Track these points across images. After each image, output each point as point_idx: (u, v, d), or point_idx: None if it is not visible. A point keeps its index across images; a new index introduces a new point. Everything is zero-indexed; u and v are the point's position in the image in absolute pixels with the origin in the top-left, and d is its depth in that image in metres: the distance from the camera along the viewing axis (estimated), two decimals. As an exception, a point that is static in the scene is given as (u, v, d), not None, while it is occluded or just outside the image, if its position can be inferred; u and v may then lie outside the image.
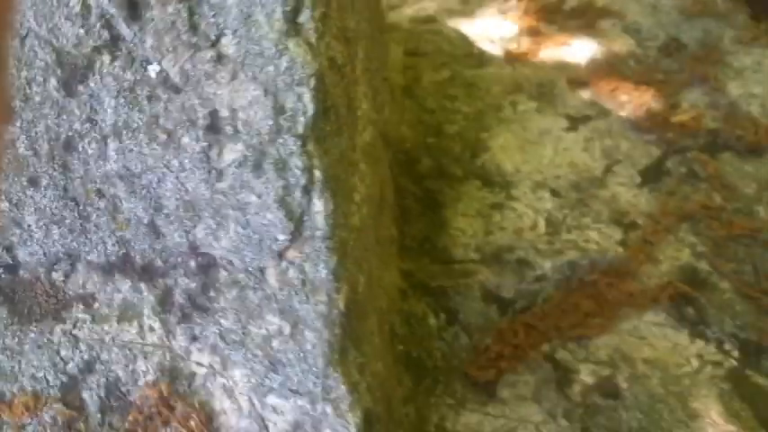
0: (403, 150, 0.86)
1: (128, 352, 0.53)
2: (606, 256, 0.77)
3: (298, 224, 0.51)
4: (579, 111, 0.95)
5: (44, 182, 0.53)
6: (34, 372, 0.54)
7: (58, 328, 0.54)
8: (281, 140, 0.50)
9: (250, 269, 0.51)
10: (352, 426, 0.50)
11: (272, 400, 0.51)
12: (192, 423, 0.51)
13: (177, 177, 0.51)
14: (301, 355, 0.51)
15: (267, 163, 0.50)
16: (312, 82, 0.50)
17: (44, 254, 0.54)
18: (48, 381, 0.54)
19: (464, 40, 1.05)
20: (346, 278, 0.52)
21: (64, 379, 0.54)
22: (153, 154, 0.51)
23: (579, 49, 1.04)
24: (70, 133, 0.52)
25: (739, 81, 1.00)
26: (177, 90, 0.50)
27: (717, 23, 1.07)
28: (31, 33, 0.51)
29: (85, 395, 0.53)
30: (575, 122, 0.94)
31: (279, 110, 0.50)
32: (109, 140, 0.52)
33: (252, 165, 0.50)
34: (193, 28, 0.50)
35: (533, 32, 1.09)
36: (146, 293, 0.53)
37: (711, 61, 0.99)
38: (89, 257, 0.54)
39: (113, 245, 0.53)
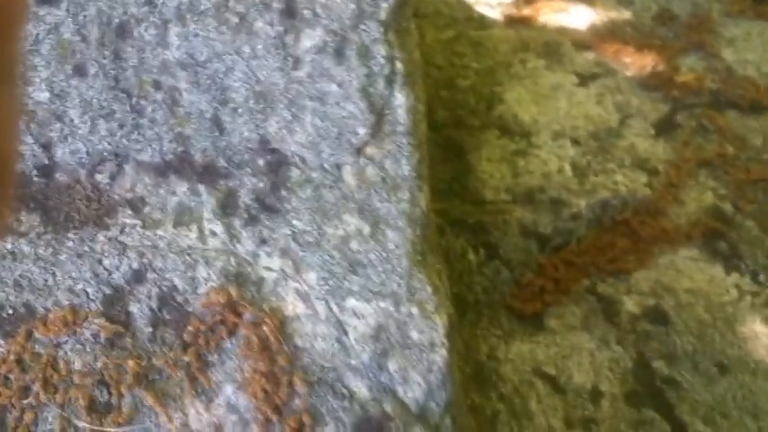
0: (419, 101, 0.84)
1: (186, 258, 0.49)
2: (636, 197, 0.78)
3: (379, 117, 0.49)
4: (587, 69, 0.97)
5: (92, 70, 0.49)
6: (72, 284, 0.50)
7: (100, 236, 0.50)
8: (363, 26, 0.48)
9: (326, 166, 0.49)
10: (440, 326, 0.48)
11: (351, 303, 0.48)
12: (264, 329, 0.47)
13: (248, 65, 0.48)
14: (384, 255, 0.49)
15: (349, 49, 0.48)
16: (395, -33, 0.48)
17: (87, 152, 0.50)
18: (88, 293, 0.49)
19: (463, 4, 1.06)
20: (425, 177, 0.50)
21: (108, 291, 0.49)
22: (221, 39, 0.48)
23: (577, 16, 1.06)
24: (125, 17, 0.49)
25: (732, 48, 1.05)
26: (251, -29, 0.48)
27: (704, -3, 1.12)
28: None
29: (133, 308, 0.49)
30: (584, 79, 0.96)
31: (361, -6, 0.48)
32: (170, 25, 0.48)
33: (333, 51, 0.48)
34: None
35: (531, 0, 1.11)
36: (205, 196, 0.50)
37: (704, 30, 1.03)
38: (140, 157, 0.50)
39: (170, 142, 0.50)
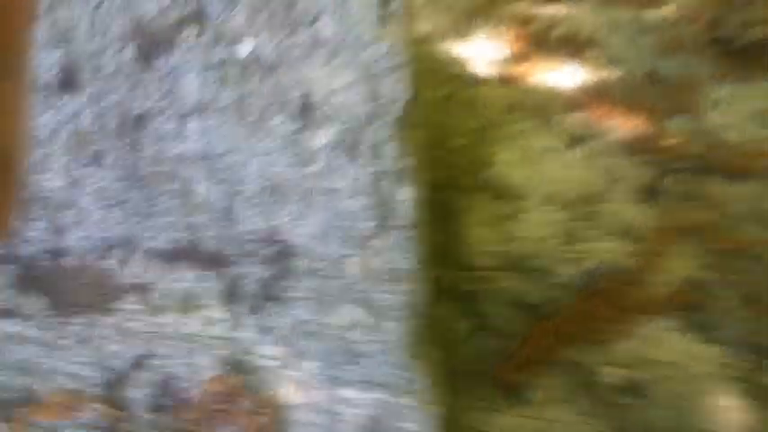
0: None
1: (188, 345, 0.50)
2: (619, 265, 0.81)
3: (386, 211, 0.50)
4: (575, 131, 1.00)
5: (109, 159, 0.50)
6: (75, 369, 0.51)
7: (106, 321, 0.51)
8: (375, 126, 0.50)
9: (332, 257, 0.50)
10: (436, 417, 0.49)
11: (348, 393, 0.50)
12: (262, 419, 0.49)
13: (263, 160, 0.50)
14: (383, 346, 0.50)
15: (362, 147, 0.50)
16: (407, 69, 0.50)
17: (100, 238, 0.51)
18: (89, 378, 0.50)
19: (458, 61, 1.08)
20: (427, 269, 0.52)
21: (110, 376, 0.50)
22: (238, 135, 0.50)
23: (569, 75, 1.08)
24: (144, 110, 0.50)
25: (717, 111, 1.08)
26: (270, 70, 0.49)
27: (691, 59, 1.16)
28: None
29: (135, 393, 0.50)
30: (573, 142, 0.98)
31: (374, 95, 0.50)
32: (188, 119, 0.50)
33: (345, 148, 0.50)
34: (290, 6, 0.49)
35: (524, 57, 1.14)
36: (212, 283, 0.51)
37: (690, 92, 1.06)
38: (150, 244, 0.51)
39: (181, 231, 0.51)
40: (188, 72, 0.50)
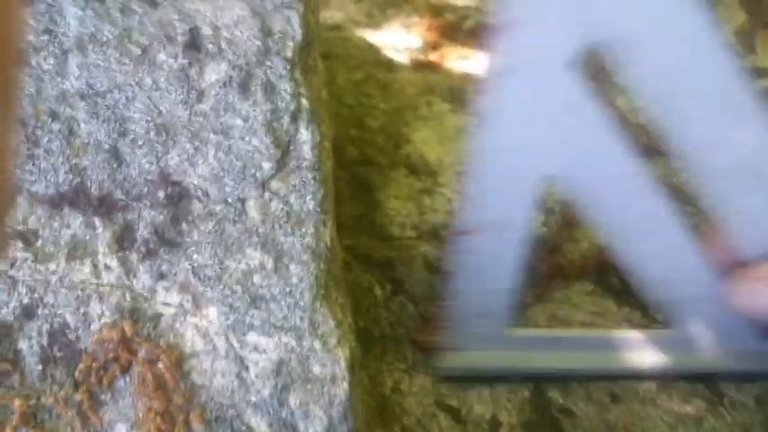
0: (329, 139, 0.85)
1: (79, 293, 0.47)
2: (533, 235, 0.81)
3: (284, 152, 0.49)
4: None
5: (-15, 100, 0.47)
6: (-47, 325, 0.46)
7: (-13, 272, 0.47)
8: (269, 63, 0.48)
9: (229, 200, 0.48)
10: (343, 360, 0.48)
11: (252, 338, 0.47)
12: (160, 367, 0.46)
13: (150, 97, 0.47)
14: (286, 289, 0.48)
15: (254, 84, 0.48)
16: (300, 8, 0.49)
17: (-23, 184, 0.47)
18: (-28, 334, 0.46)
19: (372, 47, 1.08)
20: (329, 213, 0.50)
21: (-7, 330, 0.46)
22: (123, 71, 0.47)
23: (480, 63, 1.10)
24: (23, 45, 0.47)
25: (624, 98, 1.11)
26: (154, 4, 0.47)
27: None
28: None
29: (22, 345, 0.46)
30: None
31: (266, 31, 0.48)
32: (70, 55, 0.47)
33: (237, 86, 0.48)
34: (175, -59, 0.48)
35: (436, 46, 1.15)
36: (101, 229, 0.48)
37: (599, 77, 1.09)
38: (34, 188, 0.48)
39: (65, 173, 0.48)
40: (68, 6, 0.47)
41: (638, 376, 0.63)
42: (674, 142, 0.52)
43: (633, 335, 0.63)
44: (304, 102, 0.50)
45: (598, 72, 1.13)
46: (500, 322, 0.60)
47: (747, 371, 0.62)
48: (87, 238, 0.49)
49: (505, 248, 0.56)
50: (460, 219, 0.55)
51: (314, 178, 0.50)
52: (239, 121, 0.48)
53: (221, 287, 0.49)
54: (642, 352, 0.62)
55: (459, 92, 1.17)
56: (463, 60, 1.27)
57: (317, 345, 0.49)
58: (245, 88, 0.48)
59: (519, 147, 0.52)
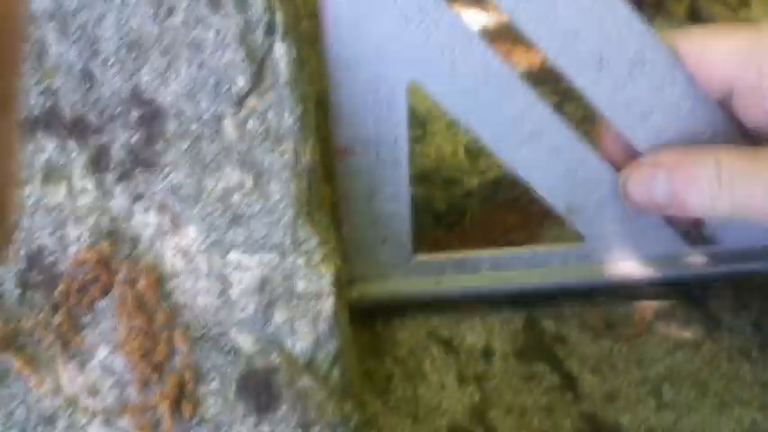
0: (313, 100, 0.84)
1: (55, 216, 0.46)
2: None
3: (259, 67, 0.48)
4: None
5: (-50, 22, 0.46)
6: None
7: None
8: (239, -25, 0.47)
9: (205, 117, 0.47)
10: (327, 276, 0.47)
11: (234, 256, 0.46)
12: (140, 286, 0.45)
13: (119, 13, 0.46)
14: (267, 207, 0.47)
15: (225, -3, 0.47)
16: None
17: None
18: (-53, 262, 0.45)
19: None
20: (309, 129, 0.49)
21: (-31, 260, 0.45)
22: (91, -12, 0.46)
23: (472, 19, 1.09)
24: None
25: None
26: None
27: None
28: None
29: (1, 270, 0.45)
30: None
31: (236, -57, 0.47)
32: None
33: (209, 0, 0.47)
34: None
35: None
36: (75, 152, 0.47)
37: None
38: (5, 113, 0.46)
39: (37, 96, 0.47)
40: (33, -77, 0.46)
41: (552, 295, 0.62)
42: (533, 33, 0.50)
43: (542, 250, 0.62)
44: (279, 16, 0.48)
45: None
46: (402, 248, 0.58)
47: (668, 278, 0.61)
48: (62, 161, 0.48)
49: (386, 166, 0.54)
50: (336, 136, 0.54)
51: (291, 94, 0.49)
52: (211, 35, 0.47)
53: (200, 206, 0.48)
54: (555, 268, 0.60)
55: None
56: (464, 12, 1.26)
57: (301, 261, 0.48)
58: (215, 1, 0.47)
59: (373, 56, 0.50)
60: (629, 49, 0.51)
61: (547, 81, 1.05)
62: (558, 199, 0.58)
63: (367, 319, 0.61)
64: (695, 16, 1.21)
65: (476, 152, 0.90)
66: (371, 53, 0.51)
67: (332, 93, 0.53)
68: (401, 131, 0.54)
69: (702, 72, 0.52)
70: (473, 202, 0.81)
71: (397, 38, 0.51)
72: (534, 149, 0.55)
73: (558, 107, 1.01)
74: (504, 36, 1.10)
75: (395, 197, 0.57)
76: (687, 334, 0.64)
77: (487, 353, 0.60)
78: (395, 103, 0.53)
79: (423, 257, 0.60)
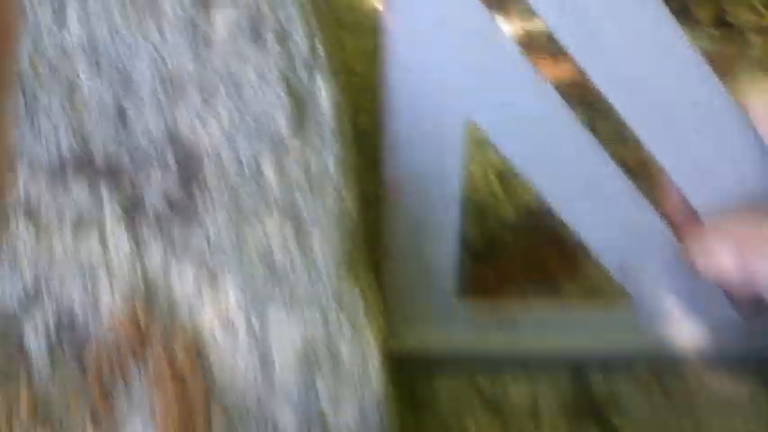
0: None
1: (86, 271, 0.42)
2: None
3: (300, 105, 0.44)
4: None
5: (-27, 56, 0.42)
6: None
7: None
8: (280, 7, 0.43)
9: (243, 160, 0.44)
10: (372, 339, 0.43)
11: (274, 314, 0.43)
12: (176, 352, 0.41)
13: (156, 49, 0.42)
14: (309, 261, 0.44)
15: (266, 30, 0.43)
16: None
17: (-33, 151, 0.43)
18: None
19: (380, 16, 1.02)
20: (351, 174, 0.46)
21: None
22: (126, 21, 0.42)
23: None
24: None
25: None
26: (158, -54, 0.42)
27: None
28: None
29: (27, 330, 0.41)
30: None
31: (280, -26, 0.43)
32: (69, 6, 0.42)
33: (249, 33, 0.43)
34: None
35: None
36: (108, 197, 0.43)
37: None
38: (33, 155, 0.43)
39: (67, 136, 0.43)
40: (63, -49, 0.42)
41: (606, 361, 0.57)
42: (599, 83, 0.48)
43: (589, 311, 0.58)
44: (318, 46, 0.45)
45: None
46: (447, 293, 0.55)
47: (722, 349, 0.57)
48: (94, 208, 0.44)
49: (438, 204, 0.52)
50: (389, 172, 0.52)
51: (333, 134, 0.45)
52: (251, 72, 0.43)
53: (239, 261, 0.44)
54: (603, 329, 0.57)
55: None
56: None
57: (344, 321, 0.44)
58: (256, 35, 0.43)
59: (432, 92, 0.49)
60: (699, 106, 0.48)
61: (575, 96, 1.01)
62: (611, 256, 0.54)
63: (406, 368, 0.58)
64: (722, 23, 1.16)
65: (507, 175, 0.86)
66: (432, 93, 0.49)
67: (387, 133, 0.51)
68: (456, 172, 0.51)
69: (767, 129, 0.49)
70: (508, 235, 0.77)
71: (460, 79, 0.48)
72: (592, 203, 0.52)
73: (590, 124, 0.98)
74: (530, 47, 1.06)
75: (443, 238, 0.54)
76: (742, 394, 0.60)
77: (534, 412, 0.56)
78: (452, 143, 0.50)
79: (467, 305, 0.57)
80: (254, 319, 0.44)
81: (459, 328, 0.56)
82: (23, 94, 0.42)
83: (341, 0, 1.06)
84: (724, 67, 1.10)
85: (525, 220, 0.77)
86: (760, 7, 1.11)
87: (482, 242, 0.73)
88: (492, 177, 0.83)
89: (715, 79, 0.47)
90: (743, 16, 1.12)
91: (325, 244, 0.45)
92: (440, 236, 0.54)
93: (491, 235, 0.74)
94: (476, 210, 0.76)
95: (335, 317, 0.44)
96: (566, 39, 0.46)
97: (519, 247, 0.77)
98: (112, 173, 0.44)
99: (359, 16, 1.05)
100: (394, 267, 0.55)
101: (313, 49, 0.44)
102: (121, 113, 0.43)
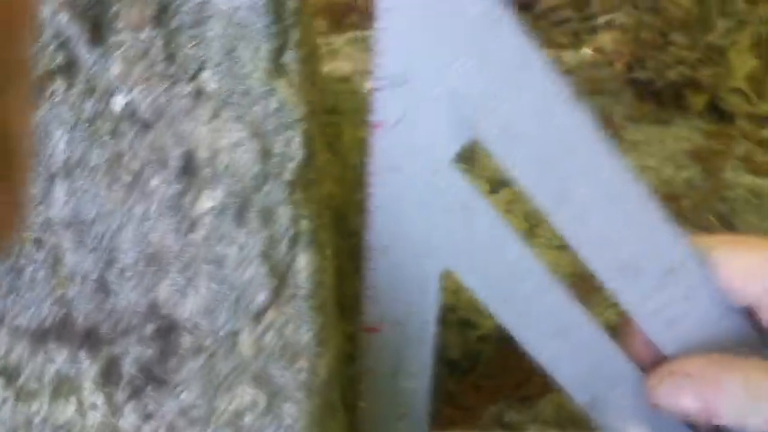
0: (331, 207, 0.81)
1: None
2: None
3: (280, 281, 0.45)
4: (497, 175, 0.97)
5: (-37, 226, 0.44)
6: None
7: (-36, 410, 0.44)
8: (267, 187, 0.45)
9: (221, 333, 0.45)
10: None
11: (244, 486, 0.44)
12: None
13: (140, 226, 0.44)
14: (280, 430, 0.45)
15: (251, 212, 0.45)
16: (302, 125, 0.46)
17: (-46, 315, 0.44)
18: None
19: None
20: (327, 342, 0.47)
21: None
22: (112, 198, 0.44)
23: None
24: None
25: (635, 154, 1.07)
26: (147, 126, 0.44)
27: (608, 101, 1.16)
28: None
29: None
30: (495, 186, 0.96)
31: (266, 154, 0.45)
32: (57, 180, 0.44)
33: (233, 213, 0.45)
34: (170, 58, 0.44)
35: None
36: (86, 364, 0.45)
37: (608, 135, 1.05)
38: (16, 321, 0.45)
39: (50, 305, 0.45)
40: (56, 129, 0.44)
41: None
42: (568, 236, 0.51)
43: None
44: (303, 224, 0.46)
45: (606, 126, 1.08)
46: (419, 426, 0.58)
47: None
48: (72, 373, 0.46)
49: (412, 346, 0.55)
50: (365, 314, 0.54)
51: (310, 307, 0.47)
52: (234, 251, 0.45)
53: (210, 429, 0.46)
54: None
55: (469, 150, 1.13)
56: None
57: (313, 491, 0.46)
58: (241, 215, 0.45)
59: (411, 244, 0.52)
60: (664, 258, 0.51)
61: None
62: (580, 392, 0.56)
63: None
64: (714, 110, 1.18)
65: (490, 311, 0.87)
66: (409, 240, 0.51)
67: (367, 274, 0.53)
68: (431, 316, 0.54)
69: (731, 281, 0.51)
70: (488, 348, 0.79)
71: (436, 228, 0.51)
72: (561, 344, 0.54)
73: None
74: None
75: (417, 375, 0.56)
76: None
77: None
78: (427, 289, 0.53)
79: None
80: (222, 487, 0.45)
81: None
82: (9, 266, 0.44)
83: (340, 85, 1.07)
84: (712, 165, 1.11)
85: (505, 332, 0.78)
86: (752, 94, 1.13)
87: (462, 356, 0.74)
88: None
89: (680, 234, 0.50)
90: (735, 103, 1.13)
91: (296, 414, 0.46)
92: (416, 373, 0.56)
93: (470, 349, 0.75)
94: (458, 323, 0.77)
95: (302, 486, 0.45)
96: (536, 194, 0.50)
97: (496, 360, 0.78)
98: (92, 340, 0.45)
99: (358, 103, 1.06)
100: (370, 401, 0.56)
101: (297, 225, 0.46)
102: (104, 285, 0.45)
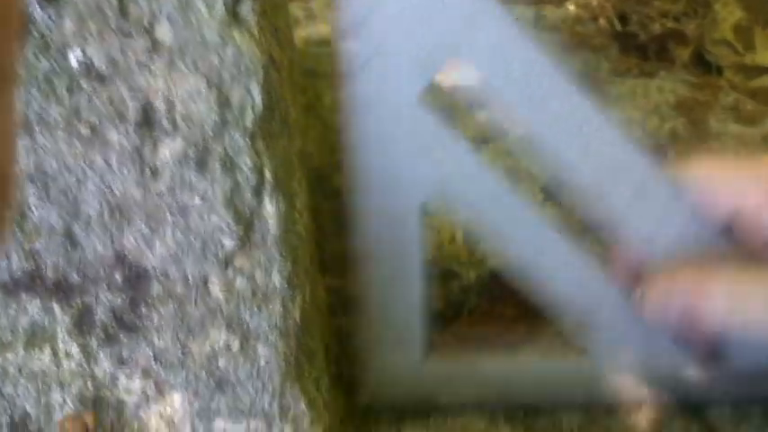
0: (311, 168, 0.82)
1: (39, 383, 0.45)
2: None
3: (247, 228, 0.46)
4: (480, 131, 0.97)
5: (-69, 186, 0.44)
6: None
7: (-57, 364, 0.45)
8: (227, 136, 0.45)
9: (190, 280, 0.46)
10: (313, 446, 0.45)
11: (220, 424, 0.45)
12: (124, 461, 0.44)
13: (102, 178, 0.45)
14: (253, 372, 0.46)
15: (212, 160, 0.45)
16: (260, 75, 0.46)
17: (-72, 273, 0.45)
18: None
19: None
20: (299, 286, 0.48)
21: (-48, 424, 0.44)
22: (72, 152, 0.44)
23: (469, 74, 1.05)
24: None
25: (619, 107, 1.06)
26: (103, 80, 0.44)
27: (593, 56, 1.15)
28: None
29: (-17, 441, 0.44)
30: (478, 143, 0.96)
31: (224, 103, 0.45)
32: (17, 137, 0.44)
33: (194, 162, 0.45)
34: (123, 12, 0.44)
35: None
36: (59, 314, 0.46)
37: (593, 89, 1.04)
38: (-13, 275, 0.45)
39: (19, 259, 0.45)
40: (14, 87, 0.44)
41: (560, 407, 0.61)
42: (541, 162, 0.53)
43: (552, 363, 0.62)
44: (267, 173, 0.47)
45: (591, 80, 1.07)
46: (414, 350, 0.59)
47: (672, 398, 0.61)
48: (46, 323, 0.46)
49: (401, 276, 0.57)
50: (352, 247, 0.56)
51: (280, 252, 0.47)
52: (197, 200, 0.45)
53: (184, 372, 0.46)
54: (564, 382, 0.61)
55: (451, 111, 1.13)
56: (450, 71, 1.22)
57: (288, 430, 0.46)
58: (202, 164, 0.45)
59: (389, 180, 0.54)
60: (630, 183, 0.52)
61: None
62: (567, 316, 0.58)
63: (373, 418, 0.60)
64: (700, 62, 1.17)
65: (475, 238, 0.88)
66: (387, 177, 0.54)
67: (352, 207, 0.55)
68: (415, 247, 0.56)
69: (706, 199, 0.53)
70: (471, 298, 0.79)
71: (411, 164, 0.53)
72: (545, 267, 0.56)
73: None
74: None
75: (409, 302, 0.58)
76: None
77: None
78: (409, 222, 0.55)
79: (433, 362, 0.60)
80: (199, 427, 0.46)
81: (424, 384, 0.60)
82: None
83: (319, 48, 1.07)
84: (697, 116, 1.11)
85: (487, 282, 0.78)
86: (738, 46, 1.12)
87: (445, 306, 0.75)
88: (459, 240, 0.84)
89: (646, 158, 0.52)
90: (722, 54, 1.12)
91: (270, 355, 0.47)
92: (407, 300, 0.57)
93: (454, 299, 0.76)
94: (441, 274, 0.77)
95: (279, 425, 0.46)
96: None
97: (480, 308, 0.78)
98: (62, 291, 0.46)
99: (338, 65, 1.06)
100: (366, 328, 0.59)
101: (260, 173, 0.46)
102: (70, 237, 0.46)
